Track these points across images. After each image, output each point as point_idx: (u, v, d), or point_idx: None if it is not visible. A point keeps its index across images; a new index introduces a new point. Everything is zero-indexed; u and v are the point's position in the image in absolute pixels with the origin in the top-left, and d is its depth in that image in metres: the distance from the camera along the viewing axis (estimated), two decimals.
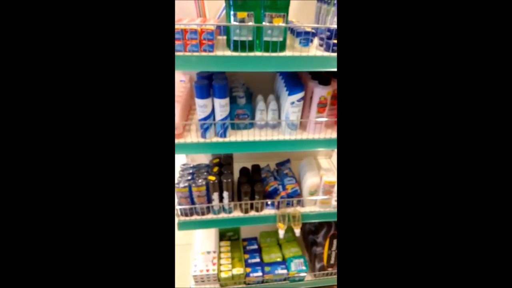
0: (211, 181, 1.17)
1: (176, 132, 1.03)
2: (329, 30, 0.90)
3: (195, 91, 0.97)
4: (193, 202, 1.23)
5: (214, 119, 1.04)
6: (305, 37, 0.88)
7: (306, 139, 1.11)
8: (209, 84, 0.98)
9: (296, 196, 1.31)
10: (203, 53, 0.85)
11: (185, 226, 1.25)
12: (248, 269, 1.48)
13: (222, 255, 1.53)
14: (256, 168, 1.41)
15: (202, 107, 0.99)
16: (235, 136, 1.08)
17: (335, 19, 0.93)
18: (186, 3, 1.08)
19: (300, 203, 1.34)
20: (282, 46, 0.89)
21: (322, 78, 1.05)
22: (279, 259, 1.56)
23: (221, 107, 1.00)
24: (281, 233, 1.28)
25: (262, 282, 1.51)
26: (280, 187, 1.33)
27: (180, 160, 1.51)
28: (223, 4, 1.10)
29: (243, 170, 1.37)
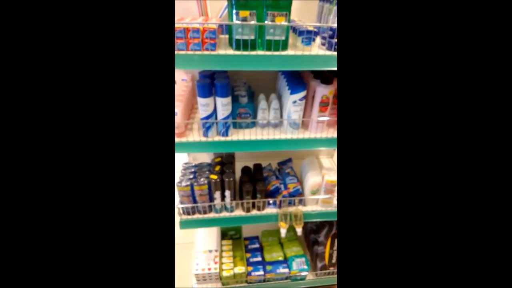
0: (213, 180, 1.17)
1: (178, 131, 1.03)
2: (331, 29, 0.90)
3: (197, 90, 0.97)
4: (195, 201, 1.23)
5: (216, 118, 1.04)
6: (307, 36, 0.88)
7: (308, 138, 1.11)
8: (211, 83, 0.98)
9: (298, 195, 1.31)
10: (205, 52, 0.85)
11: (187, 224, 1.26)
12: (250, 268, 1.48)
13: (224, 254, 1.53)
14: (258, 167, 1.42)
15: (204, 106, 1.00)
16: (237, 135, 1.09)
17: None
18: (188, 2, 1.08)
19: (302, 202, 1.34)
20: (284, 45, 0.89)
21: (324, 77, 1.04)
22: (280, 258, 1.57)
23: (223, 106, 1.00)
24: (283, 232, 1.28)
25: (264, 281, 1.51)
26: (282, 186, 1.33)
27: (182, 159, 1.52)
28: (225, 3, 1.10)
29: (245, 169, 1.37)
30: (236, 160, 1.35)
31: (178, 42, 0.83)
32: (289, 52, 0.89)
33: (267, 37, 0.87)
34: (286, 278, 1.53)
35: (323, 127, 1.12)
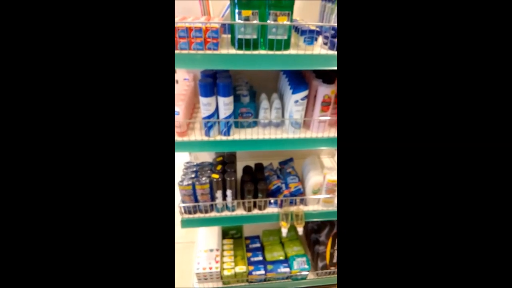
0: (215, 179, 1.17)
1: (180, 130, 1.03)
2: (333, 28, 0.90)
3: (199, 89, 0.97)
4: (196, 200, 1.23)
5: (218, 117, 1.04)
6: (310, 35, 0.88)
7: (309, 137, 1.10)
8: (213, 82, 0.98)
9: (299, 194, 1.31)
10: (208, 51, 0.85)
11: (188, 224, 1.26)
12: (251, 267, 1.49)
13: (225, 253, 1.53)
14: (259, 166, 1.42)
15: (206, 105, 1.00)
16: (238, 135, 1.09)
17: None
18: (190, 1, 1.08)
19: (303, 201, 1.34)
20: (286, 45, 0.89)
21: (326, 76, 1.04)
22: (281, 258, 1.57)
23: (225, 105, 1.01)
24: (284, 231, 1.28)
25: (265, 280, 1.51)
26: (283, 186, 1.33)
27: (184, 158, 1.52)
28: (228, 2, 1.10)
29: (247, 169, 1.37)
30: (238, 160, 1.35)
31: (181, 42, 0.83)
32: (291, 51, 0.89)
33: (270, 37, 0.87)
34: (287, 278, 1.53)
35: (325, 127, 1.12)
